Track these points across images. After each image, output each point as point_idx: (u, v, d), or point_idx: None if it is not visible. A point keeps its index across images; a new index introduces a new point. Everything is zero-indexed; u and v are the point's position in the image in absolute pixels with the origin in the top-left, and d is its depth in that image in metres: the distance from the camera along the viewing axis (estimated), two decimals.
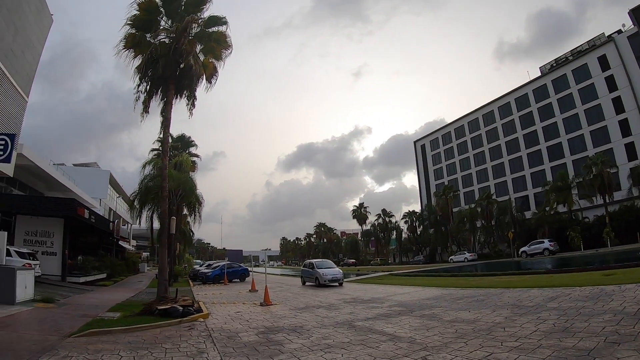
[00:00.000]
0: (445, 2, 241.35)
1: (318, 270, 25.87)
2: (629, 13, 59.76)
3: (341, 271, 27.10)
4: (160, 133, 16.93)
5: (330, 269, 26.25)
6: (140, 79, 17.09)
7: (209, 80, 18.46)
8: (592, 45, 67.12)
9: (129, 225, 66.45)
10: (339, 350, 7.65)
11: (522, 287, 15.44)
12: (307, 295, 19.71)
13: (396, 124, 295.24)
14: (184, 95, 17.84)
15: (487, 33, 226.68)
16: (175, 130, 46.56)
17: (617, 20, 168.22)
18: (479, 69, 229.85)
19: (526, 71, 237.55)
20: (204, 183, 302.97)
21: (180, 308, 12.43)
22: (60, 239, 26.22)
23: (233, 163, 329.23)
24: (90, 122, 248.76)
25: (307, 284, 27.49)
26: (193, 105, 18.09)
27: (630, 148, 59.28)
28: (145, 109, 17.34)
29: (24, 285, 14.63)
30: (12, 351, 7.88)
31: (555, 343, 6.81)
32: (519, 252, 52.41)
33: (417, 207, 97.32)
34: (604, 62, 63.65)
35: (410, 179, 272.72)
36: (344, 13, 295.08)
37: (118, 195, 64.27)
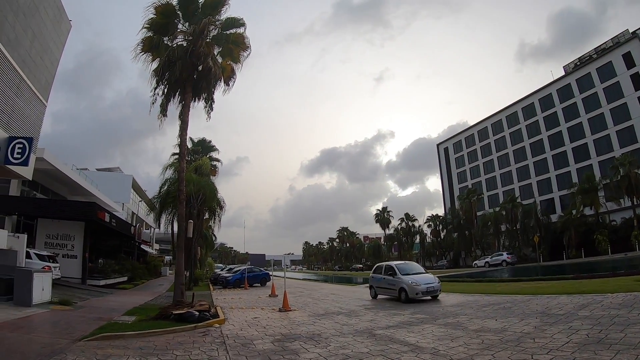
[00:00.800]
0: (465, 5, 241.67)
1: (403, 277, 17.68)
2: None
3: (437, 278, 18.41)
4: (178, 137, 16.76)
5: (421, 276, 18.20)
6: (158, 82, 16.96)
7: (227, 83, 18.30)
8: (617, 42, 65.48)
9: (152, 229, 66.96)
10: None
11: (551, 294, 14.79)
12: (327, 302, 19.32)
13: (419, 127, 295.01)
14: (202, 98, 17.69)
15: (507, 35, 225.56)
16: (198, 135, 46.80)
17: (637, 19, 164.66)
18: (501, 71, 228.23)
19: (548, 72, 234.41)
20: (228, 188, 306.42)
21: (196, 313, 12.19)
22: (81, 242, 26.45)
23: (256, 168, 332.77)
24: (115, 128, 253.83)
25: (381, 296, 19.78)
26: (211, 107, 17.94)
27: None
28: (163, 112, 17.22)
29: (41, 288, 14.65)
30: (21, 354, 7.74)
31: (590, 357, 6.32)
32: (483, 263, 56.74)
33: (440, 211, 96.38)
34: (628, 60, 61.95)
35: (434, 183, 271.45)
36: (364, 18, 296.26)
37: (140, 200, 64.81)
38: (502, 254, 55.87)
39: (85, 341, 9.10)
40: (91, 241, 28.37)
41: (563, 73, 74.80)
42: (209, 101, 17.75)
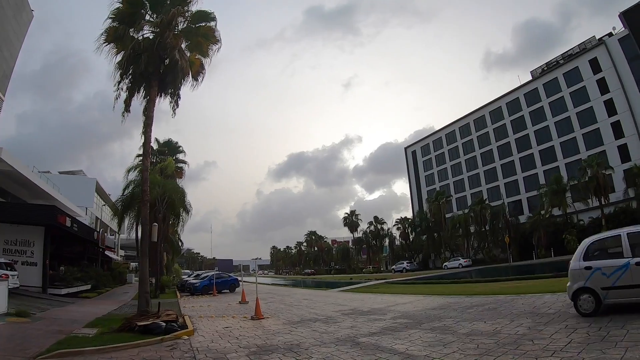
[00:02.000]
0: (435, 15, 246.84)
1: None
2: (619, 15, 59.79)
3: None
4: (142, 135, 15.62)
5: None
6: (122, 76, 15.93)
7: (195, 78, 17.36)
8: (583, 48, 67.15)
9: (117, 235, 64.72)
10: None
11: (534, 293, 14.43)
12: (301, 307, 18.41)
13: (386, 132, 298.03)
14: (168, 93, 16.68)
15: (474, 44, 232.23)
16: (164, 138, 45.13)
17: (600, 29, 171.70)
18: (467, 79, 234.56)
19: (513, 80, 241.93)
20: (195, 192, 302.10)
21: (163, 324, 11.16)
22: (41, 248, 24.80)
23: (224, 172, 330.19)
24: (83, 132, 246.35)
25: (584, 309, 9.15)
26: (177, 104, 16.97)
27: (623, 150, 59.11)
28: (127, 108, 16.15)
29: None
30: None
31: (598, 356, 5.87)
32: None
33: (407, 215, 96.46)
34: (595, 65, 63.59)
35: (400, 187, 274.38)
36: (335, 26, 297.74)
37: (104, 204, 62.51)
38: (458, 259, 62.74)
39: (41, 359, 8.10)
40: (52, 247, 26.80)
41: (530, 78, 76.16)
42: (175, 97, 16.77)
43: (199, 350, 9.13)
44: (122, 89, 16.09)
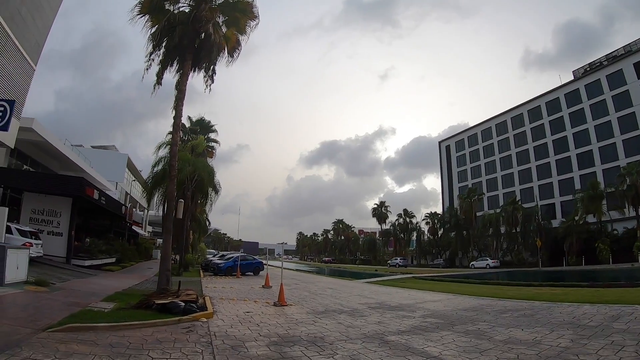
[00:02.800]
0: (475, 11, 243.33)
1: None
2: None
3: None
4: (173, 109, 15.15)
5: None
6: (154, 47, 15.48)
7: (230, 54, 16.81)
8: (628, 50, 64.84)
9: (146, 211, 65.47)
10: None
11: (571, 302, 13.50)
12: (325, 297, 17.79)
13: (420, 126, 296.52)
14: (202, 68, 16.18)
15: (513, 42, 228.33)
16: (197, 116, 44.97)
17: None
18: (504, 77, 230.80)
19: (550, 81, 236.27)
20: (226, 174, 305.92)
21: (182, 304, 10.69)
22: (68, 219, 24.95)
23: (256, 156, 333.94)
24: (119, 110, 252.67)
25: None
26: (212, 79, 16.45)
27: None
28: (159, 80, 15.75)
29: (16, 266, 13.25)
30: None
31: None
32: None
33: (436, 210, 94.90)
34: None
35: (431, 182, 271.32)
36: (374, 17, 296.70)
37: (134, 179, 63.22)
38: (486, 259, 62.72)
39: (50, 332, 7.67)
40: (80, 219, 26.97)
41: (572, 78, 73.62)
42: (210, 71, 16.26)
43: (216, 335, 8.59)
44: (153, 61, 15.68)
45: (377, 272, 49.71)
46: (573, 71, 74.99)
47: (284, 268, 40.00)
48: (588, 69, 71.53)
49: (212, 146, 40.15)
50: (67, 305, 10.76)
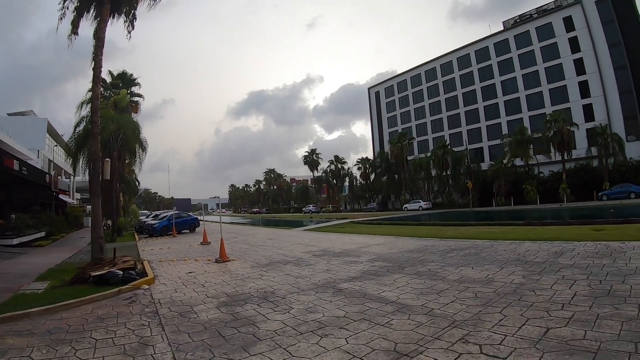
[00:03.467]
0: None
1: None
2: None
3: None
4: (92, 60, 13.67)
5: None
6: None
7: None
8: (559, 5, 66.78)
9: (72, 177, 61.73)
10: (338, 332, 5.52)
11: (512, 240, 13.95)
12: (267, 248, 17.37)
13: (348, 74, 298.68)
14: (122, 13, 14.64)
15: None
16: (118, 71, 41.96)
17: None
18: (433, 27, 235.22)
19: (478, 32, 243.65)
20: (153, 131, 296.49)
21: (120, 272, 9.93)
22: None
23: (182, 111, 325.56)
24: (35, 73, 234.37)
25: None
26: (132, 25, 14.94)
27: (588, 109, 60.61)
28: (74, 30, 14.10)
29: None
30: None
31: (613, 312, 5.34)
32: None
33: (366, 155, 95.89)
34: (569, 23, 63.77)
35: (360, 128, 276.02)
36: None
37: (56, 144, 59.06)
38: (418, 201, 65.24)
39: None
40: (2, 194, 24.69)
41: (502, 28, 75.45)
42: (130, 16, 14.74)
43: (161, 302, 7.97)
44: (67, 8, 14.00)
45: (312, 219, 50.00)
46: (503, 22, 76.50)
47: (214, 222, 39.28)
48: (518, 20, 73.26)
49: (136, 101, 37.49)
50: None
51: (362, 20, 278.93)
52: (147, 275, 10.55)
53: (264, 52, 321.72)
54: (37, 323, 6.97)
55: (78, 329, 6.50)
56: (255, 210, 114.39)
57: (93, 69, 13.24)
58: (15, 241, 22.79)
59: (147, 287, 9.61)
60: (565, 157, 50.73)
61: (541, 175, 56.58)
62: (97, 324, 6.76)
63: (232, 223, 48.43)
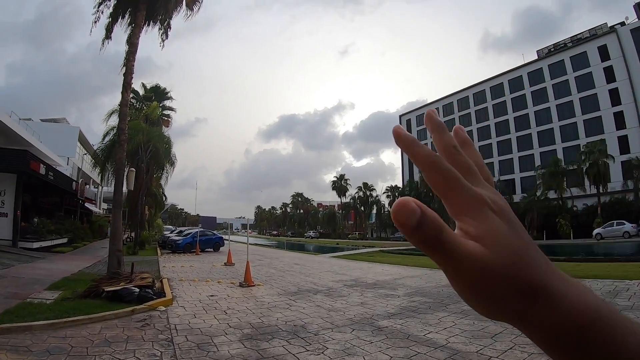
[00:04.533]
0: None
1: None
2: (634, 6, 59.19)
3: None
4: (123, 66, 13.19)
5: None
6: None
7: (189, 7, 14.90)
8: (594, 34, 65.22)
9: (100, 187, 62.13)
10: None
11: None
12: (294, 274, 16.46)
13: (378, 101, 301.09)
14: (157, 20, 14.23)
15: (473, 25, 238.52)
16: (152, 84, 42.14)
17: (600, 22, 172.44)
18: (463, 58, 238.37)
19: (508, 63, 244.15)
20: (184, 148, 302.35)
21: (136, 290, 9.13)
22: (12, 197, 22.50)
23: (214, 130, 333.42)
24: (74, 83, 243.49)
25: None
26: (166, 34, 14.62)
27: (623, 141, 58.20)
28: (108, 34, 13.82)
29: None
30: None
31: None
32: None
33: (393, 184, 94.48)
34: (604, 52, 61.84)
35: (388, 156, 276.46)
36: None
37: (85, 153, 59.63)
38: None
39: None
40: (28, 198, 24.57)
41: (536, 57, 73.95)
42: (165, 23, 14.34)
43: (177, 329, 7.09)
44: (102, 12, 13.69)
45: (339, 245, 48.96)
46: (537, 51, 75.03)
47: (244, 242, 38.30)
48: (552, 49, 71.71)
49: (168, 115, 37.50)
50: (4, 297, 9.02)
51: (394, 50, 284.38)
52: (165, 295, 9.72)
53: (297, 77, 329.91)
54: (38, 339, 6.20)
55: (81, 352, 5.70)
56: (274, 232, 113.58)
57: (124, 74, 12.75)
58: (36, 245, 22.51)
59: (164, 308, 8.75)
60: (601, 191, 48.81)
61: (575, 209, 54.23)
62: (102, 348, 5.93)
63: (256, 244, 47.62)
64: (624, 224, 39.30)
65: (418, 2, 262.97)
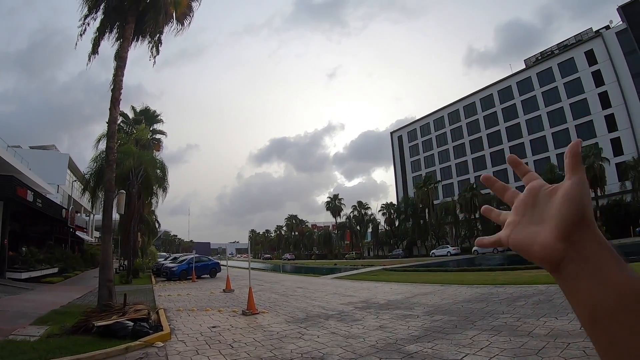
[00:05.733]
0: (421, 13, 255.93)
1: None
2: (617, 9, 59.85)
3: None
4: (112, 83, 12.38)
5: None
6: (90, 9, 12.71)
7: (180, 21, 14.31)
8: (579, 39, 65.95)
9: (92, 215, 60.76)
10: None
11: None
12: (299, 298, 15.41)
13: (367, 121, 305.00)
14: (146, 35, 13.47)
15: (457, 42, 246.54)
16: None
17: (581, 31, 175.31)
18: (449, 74, 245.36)
19: (493, 77, 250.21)
20: (176, 175, 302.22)
21: (130, 324, 8.15)
22: None
23: (206, 155, 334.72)
24: (65, 112, 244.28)
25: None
26: (157, 49, 13.89)
27: (616, 143, 58.71)
28: (95, 49, 13.07)
29: None
30: None
31: None
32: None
33: (386, 201, 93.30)
34: (591, 57, 62.86)
35: (380, 175, 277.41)
36: (324, 17, 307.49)
37: (75, 180, 58.42)
38: (446, 247, 61.26)
39: None
40: (16, 226, 23.50)
41: (524, 67, 74.46)
42: (155, 38, 13.60)
43: None
44: (88, 25, 12.95)
45: (337, 266, 47.92)
46: (524, 60, 75.35)
47: (238, 267, 37.14)
48: (540, 57, 72.13)
49: (159, 138, 36.68)
50: None
51: (381, 70, 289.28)
52: (162, 329, 8.69)
53: (287, 100, 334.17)
54: None
55: None
56: (266, 256, 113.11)
57: (112, 90, 11.93)
58: (24, 275, 21.65)
59: (162, 344, 7.75)
60: (599, 194, 49.05)
61: None
62: None
63: (252, 269, 46.23)
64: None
65: (403, 22, 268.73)
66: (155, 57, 13.89)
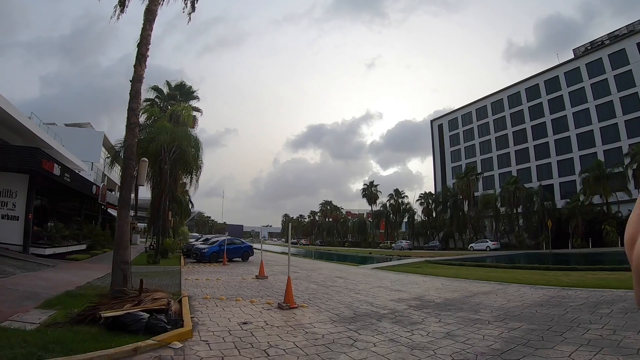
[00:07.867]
0: (462, 7, 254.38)
1: None
2: None
3: None
4: (139, 38, 10.93)
5: None
6: None
7: None
8: (631, 30, 61.39)
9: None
10: None
11: (626, 289, 11.22)
12: (341, 290, 13.76)
13: (405, 111, 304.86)
14: None
15: (497, 36, 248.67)
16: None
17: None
18: (487, 68, 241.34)
19: (533, 72, 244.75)
20: (213, 158, 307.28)
21: (145, 316, 6.70)
22: (24, 200, 20.69)
23: (243, 140, 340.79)
24: (107, 96, 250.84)
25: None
26: (193, 6, 12.39)
27: None
28: (122, 4, 11.65)
29: None
30: None
31: None
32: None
33: (423, 191, 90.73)
34: None
35: (415, 165, 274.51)
36: (364, 8, 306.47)
37: (108, 156, 58.46)
38: (486, 241, 59.75)
39: None
40: (45, 201, 22.90)
41: (573, 56, 70.28)
42: None
43: None
44: None
45: (372, 255, 46.56)
46: (573, 49, 71.13)
47: (270, 251, 35.95)
48: (589, 47, 67.91)
49: (194, 115, 35.53)
50: None
51: (419, 61, 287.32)
52: (182, 324, 7.11)
53: (325, 88, 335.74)
54: None
55: None
56: (303, 242, 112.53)
57: (138, 45, 10.46)
58: (48, 251, 20.99)
59: (180, 345, 6.16)
60: None
61: (619, 215, 50.16)
62: None
63: (283, 253, 45.15)
64: None
65: (442, 15, 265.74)
66: (190, 14, 12.44)
